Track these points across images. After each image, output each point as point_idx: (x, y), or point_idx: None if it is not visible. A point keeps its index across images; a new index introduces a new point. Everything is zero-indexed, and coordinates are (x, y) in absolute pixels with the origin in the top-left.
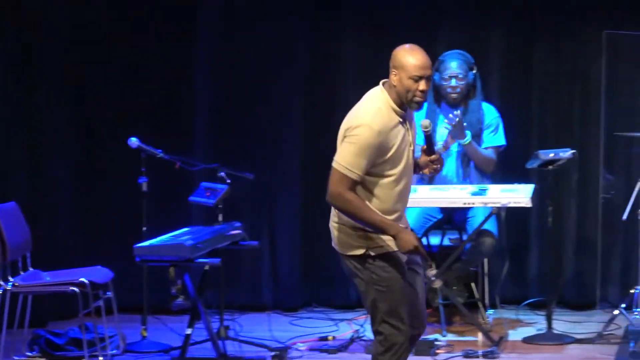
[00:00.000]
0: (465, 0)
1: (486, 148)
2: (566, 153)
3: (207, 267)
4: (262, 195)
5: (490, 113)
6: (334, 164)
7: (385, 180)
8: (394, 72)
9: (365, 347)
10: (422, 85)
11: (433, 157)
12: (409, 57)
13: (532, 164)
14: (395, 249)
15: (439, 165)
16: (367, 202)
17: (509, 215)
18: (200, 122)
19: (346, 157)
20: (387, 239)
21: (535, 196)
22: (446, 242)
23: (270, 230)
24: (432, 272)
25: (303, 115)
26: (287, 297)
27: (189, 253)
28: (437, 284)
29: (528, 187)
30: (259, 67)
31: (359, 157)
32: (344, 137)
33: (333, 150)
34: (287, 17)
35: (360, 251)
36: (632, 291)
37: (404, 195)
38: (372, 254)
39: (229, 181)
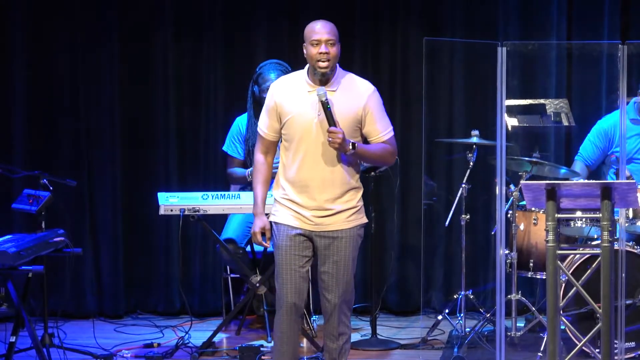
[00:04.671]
0: (279, 7)
1: None
2: None
3: (30, 275)
4: (84, 202)
5: None
6: None
7: (286, 144)
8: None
9: (190, 353)
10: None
11: (330, 128)
12: (308, 27)
13: None
14: (279, 221)
15: (334, 139)
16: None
17: None
18: (19, 128)
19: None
20: (275, 210)
21: None
22: (271, 248)
23: (93, 237)
24: (257, 278)
25: (120, 118)
26: (111, 304)
27: (11, 260)
28: (262, 290)
29: None
30: (70, 70)
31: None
32: None
33: (154, 151)
34: (98, 15)
35: None
36: (455, 296)
37: (308, 166)
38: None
39: (51, 188)
